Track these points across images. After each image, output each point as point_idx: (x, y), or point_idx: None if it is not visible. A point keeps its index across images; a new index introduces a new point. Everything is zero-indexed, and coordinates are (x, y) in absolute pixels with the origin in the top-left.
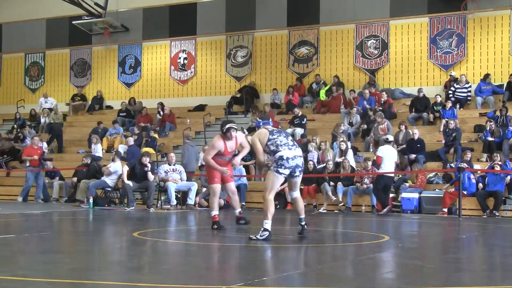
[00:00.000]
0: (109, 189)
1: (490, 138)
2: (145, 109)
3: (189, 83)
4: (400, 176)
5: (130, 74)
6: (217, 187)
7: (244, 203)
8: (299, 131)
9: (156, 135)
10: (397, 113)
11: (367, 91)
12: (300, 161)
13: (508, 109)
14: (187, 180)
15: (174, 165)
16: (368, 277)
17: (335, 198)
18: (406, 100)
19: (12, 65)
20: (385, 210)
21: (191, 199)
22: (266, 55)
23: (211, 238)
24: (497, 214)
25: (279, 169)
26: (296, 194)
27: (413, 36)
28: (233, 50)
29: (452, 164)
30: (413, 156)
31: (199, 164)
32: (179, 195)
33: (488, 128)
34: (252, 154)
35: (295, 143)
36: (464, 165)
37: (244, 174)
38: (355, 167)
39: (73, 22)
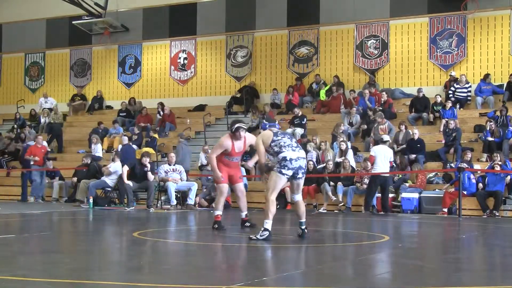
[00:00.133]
0: (109, 189)
1: (490, 138)
2: (145, 109)
3: (189, 83)
4: (400, 176)
5: (130, 74)
6: (224, 186)
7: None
8: (299, 131)
9: (156, 135)
10: (397, 113)
11: (367, 91)
12: (303, 163)
13: (508, 109)
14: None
15: (174, 165)
16: (368, 277)
17: (335, 198)
18: (406, 100)
19: (12, 65)
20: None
21: (191, 199)
22: (266, 55)
23: (211, 238)
24: (497, 214)
25: (282, 170)
26: (299, 197)
27: (413, 36)
28: (233, 50)
29: (452, 164)
30: (413, 156)
31: (199, 164)
32: (179, 195)
33: (488, 128)
34: (251, 154)
35: (299, 145)
36: (464, 165)
37: (244, 174)
38: (355, 167)
39: (73, 22)
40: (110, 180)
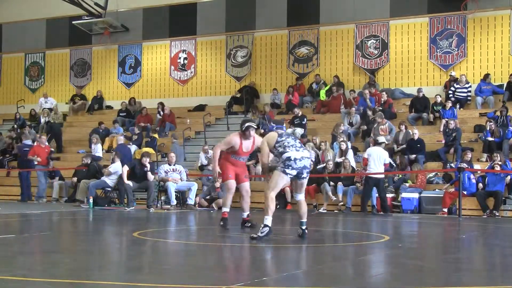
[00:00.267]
0: (109, 189)
1: (490, 138)
2: (145, 109)
3: (189, 83)
4: (400, 176)
5: (130, 74)
6: (231, 183)
7: None
8: (299, 131)
9: (156, 135)
10: (397, 113)
11: (367, 91)
12: (307, 163)
13: (508, 109)
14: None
15: (174, 165)
16: (368, 277)
17: (335, 198)
18: (406, 100)
19: (12, 65)
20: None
21: (191, 199)
22: (266, 55)
23: (211, 238)
24: (497, 214)
25: (286, 170)
26: (301, 197)
27: (413, 36)
28: (233, 50)
29: (452, 164)
30: (413, 156)
31: (199, 164)
32: (179, 195)
33: (488, 128)
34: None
35: (303, 146)
36: (464, 165)
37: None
38: (355, 167)
39: (73, 22)
40: (110, 180)
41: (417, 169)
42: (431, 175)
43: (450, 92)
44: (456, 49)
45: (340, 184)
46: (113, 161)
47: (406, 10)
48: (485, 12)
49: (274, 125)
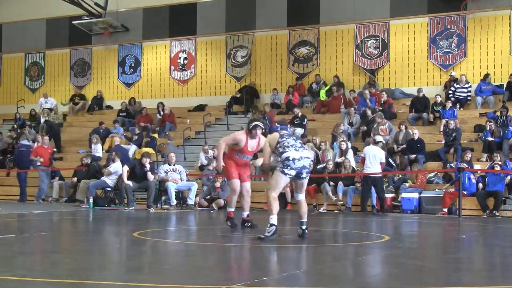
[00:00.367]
0: (109, 189)
1: (490, 138)
2: (145, 109)
3: (189, 83)
4: (400, 176)
5: (130, 74)
6: (236, 182)
7: None
8: (299, 131)
9: (156, 135)
10: (397, 113)
11: (367, 91)
12: (307, 163)
13: (508, 109)
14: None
15: (174, 165)
16: (368, 277)
17: (335, 198)
18: (406, 100)
19: (12, 65)
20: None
21: (191, 199)
22: (266, 55)
23: (211, 238)
24: (497, 214)
25: (284, 170)
26: (302, 196)
27: (413, 36)
28: (233, 50)
29: (452, 164)
30: (413, 156)
31: (199, 164)
32: (179, 195)
33: (488, 128)
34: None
35: (304, 146)
36: (464, 165)
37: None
38: (355, 167)
39: (73, 22)
40: (110, 180)
41: (417, 169)
42: (431, 175)
43: (450, 92)
44: (456, 49)
45: (340, 183)
46: (112, 161)
47: (406, 10)
48: (485, 12)
49: (279, 125)
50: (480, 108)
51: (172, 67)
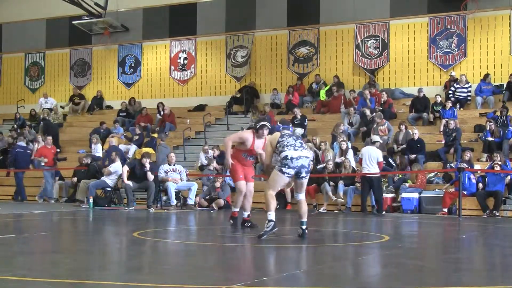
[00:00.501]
0: (109, 189)
1: (490, 138)
2: (145, 109)
3: (189, 83)
4: (400, 176)
5: (130, 74)
6: (242, 184)
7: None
8: (299, 131)
9: (156, 135)
10: (397, 113)
11: (367, 91)
12: (306, 162)
13: (508, 109)
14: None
15: (174, 165)
16: (368, 277)
17: (335, 198)
18: (406, 100)
19: (12, 65)
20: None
21: (191, 199)
22: (266, 55)
23: (211, 238)
24: (497, 214)
25: (282, 169)
26: (301, 196)
27: (413, 36)
28: (233, 50)
29: (452, 164)
30: (413, 156)
31: (199, 164)
32: (179, 195)
33: (488, 128)
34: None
35: (303, 146)
36: (464, 165)
37: None
38: (355, 167)
39: (73, 22)
40: (110, 180)
41: (417, 169)
42: (431, 175)
43: (450, 92)
44: (456, 49)
45: (341, 182)
46: (112, 161)
47: (406, 10)
48: (485, 12)
49: (281, 125)
50: (480, 108)
51: (172, 67)
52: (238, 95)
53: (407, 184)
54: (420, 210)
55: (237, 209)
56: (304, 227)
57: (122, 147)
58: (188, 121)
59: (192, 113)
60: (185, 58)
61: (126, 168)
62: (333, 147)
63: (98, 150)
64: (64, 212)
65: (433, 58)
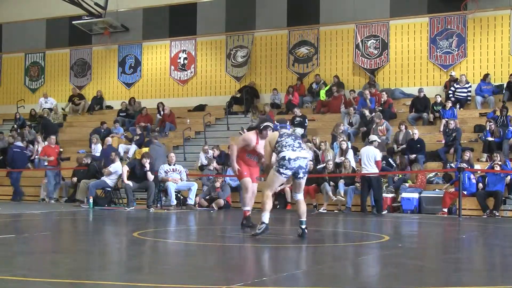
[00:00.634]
0: (109, 189)
1: (490, 138)
2: (145, 109)
3: (189, 83)
4: (400, 176)
5: (130, 74)
6: (247, 181)
7: None
8: (299, 131)
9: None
10: (397, 113)
11: (367, 91)
12: (303, 163)
13: (508, 109)
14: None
15: (174, 165)
16: (368, 277)
17: (335, 198)
18: (406, 100)
19: (12, 65)
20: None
21: (191, 199)
22: (266, 55)
23: (211, 238)
24: (497, 214)
25: (280, 169)
26: (300, 196)
27: (413, 36)
28: (233, 50)
29: (452, 164)
30: (413, 156)
31: (199, 164)
32: (179, 195)
33: (488, 128)
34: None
35: (302, 146)
36: (464, 165)
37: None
38: (355, 167)
39: (73, 22)
40: (110, 180)
41: (417, 169)
42: (431, 175)
43: (450, 92)
44: (456, 49)
45: (341, 182)
46: (112, 161)
47: (406, 10)
48: (485, 12)
49: (278, 124)
50: (480, 108)
51: (172, 67)
52: (238, 95)
53: (407, 184)
54: (420, 210)
55: (248, 208)
56: (303, 226)
57: (122, 147)
58: (188, 121)
59: (192, 113)
60: (185, 58)
61: (126, 168)
62: (333, 147)
63: (98, 150)
64: (64, 212)
65: (433, 58)
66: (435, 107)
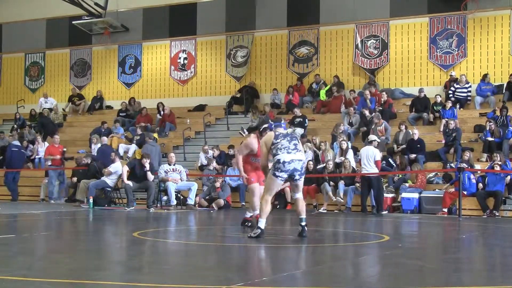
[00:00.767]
0: (109, 189)
1: (490, 138)
2: (145, 109)
3: (189, 83)
4: (400, 176)
5: (130, 74)
6: (254, 186)
7: (244, 203)
8: (299, 131)
9: (156, 135)
10: (397, 113)
11: (367, 91)
12: (298, 165)
13: (508, 109)
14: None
15: (174, 165)
16: (368, 277)
17: (335, 199)
18: (406, 100)
19: (12, 65)
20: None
21: (191, 199)
22: (266, 55)
23: (211, 238)
24: (497, 214)
25: (275, 172)
26: (299, 195)
27: (413, 36)
28: (233, 50)
29: (452, 164)
30: (413, 156)
31: (199, 164)
32: (179, 195)
33: (488, 128)
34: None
35: (298, 148)
36: (464, 165)
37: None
38: (355, 167)
39: (73, 22)
40: (110, 180)
41: (417, 169)
42: (431, 175)
43: (450, 92)
44: (456, 49)
45: (341, 182)
46: (112, 161)
47: (406, 10)
48: (485, 12)
49: (273, 123)
50: (480, 108)
51: (172, 67)
52: (238, 95)
53: (407, 184)
54: (420, 210)
55: (257, 212)
56: (303, 223)
57: (122, 147)
58: (188, 121)
59: (192, 113)
60: (185, 58)
61: (126, 168)
62: (333, 147)
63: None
64: (64, 212)
65: (433, 58)
66: (435, 107)
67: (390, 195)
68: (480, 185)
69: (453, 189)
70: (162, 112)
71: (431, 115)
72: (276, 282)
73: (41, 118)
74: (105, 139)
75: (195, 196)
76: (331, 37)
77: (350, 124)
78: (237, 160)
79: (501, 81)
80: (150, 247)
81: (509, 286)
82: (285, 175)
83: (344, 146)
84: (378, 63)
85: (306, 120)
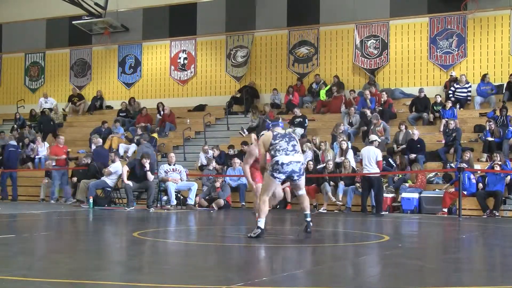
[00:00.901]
0: (109, 189)
1: (490, 138)
2: (145, 109)
3: (189, 83)
4: (400, 176)
5: (130, 74)
6: (260, 186)
7: (244, 203)
8: (299, 131)
9: (156, 135)
10: (397, 113)
11: (367, 91)
12: (296, 167)
13: (508, 109)
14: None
15: (174, 165)
16: (368, 277)
17: (335, 200)
18: (406, 100)
19: (12, 65)
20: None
21: (191, 199)
22: (266, 55)
23: (211, 238)
24: (497, 214)
25: (273, 173)
26: (302, 192)
27: (413, 36)
28: (233, 50)
29: (452, 164)
30: (413, 156)
31: (199, 164)
32: (179, 195)
33: (488, 128)
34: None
35: (296, 149)
36: (464, 165)
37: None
38: (355, 167)
39: (73, 22)
40: (110, 180)
41: (417, 169)
42: (431, 175)
43: (450, 92)
44: (456, 49)
45: (341, 182)
46: (112, 161)
47: (406, 10)
48: (485, 12)
49: (270, 122)
50: (480, 108)
51: (172, 67)
52: (238, 95)
53: (407, 184)
54: (420, 210)
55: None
56: (308, 219)
57: (122, 147)
58: (188, 121)
59: (192, 113)
60: (185, 58)
61: (126, 168)
62: (333, 147)
63: None
64: (64, 212)
65: (433, 58)
66: (435, 107)
67: (390, 195)
68: (480, 185)
69: (453, 189)
70: (162, 112)
71: (431, 115)
72: (276, 282)
73: (42, 117)
74: (100, 141)
75: (195, 196)
76: (331, 37)
77: (350, 124)
78: (244, 171)
79: (501, 81)
80: (150, 247)
81: (509, 286)
82: (283, 176)
83: (344, 146)
84: (378, 63)
85: (306, 120)
